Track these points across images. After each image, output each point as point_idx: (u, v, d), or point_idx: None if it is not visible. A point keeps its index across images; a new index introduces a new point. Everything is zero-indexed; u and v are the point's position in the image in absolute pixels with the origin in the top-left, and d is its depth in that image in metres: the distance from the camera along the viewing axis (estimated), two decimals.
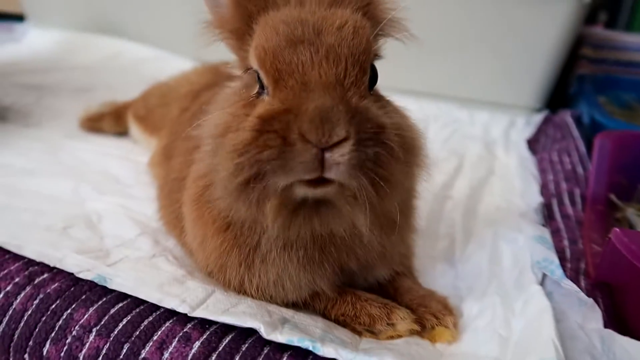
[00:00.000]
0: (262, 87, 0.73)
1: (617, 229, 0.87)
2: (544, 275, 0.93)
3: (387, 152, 0.68)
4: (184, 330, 0.77)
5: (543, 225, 1.19)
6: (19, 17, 3.11)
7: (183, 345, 0.74)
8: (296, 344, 0.75)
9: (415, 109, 2.18)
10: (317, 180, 0.66)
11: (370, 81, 0.75)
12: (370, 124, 0.67)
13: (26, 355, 0.79)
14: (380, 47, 0.82)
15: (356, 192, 0.68)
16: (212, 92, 1.15)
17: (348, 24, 0.73)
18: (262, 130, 0.65)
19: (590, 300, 0.82)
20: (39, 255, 0.90)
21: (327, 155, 0.63)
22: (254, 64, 0.74)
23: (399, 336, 0.83)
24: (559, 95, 2.23)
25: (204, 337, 0.76)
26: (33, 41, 2.76)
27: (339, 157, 0.63)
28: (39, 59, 2.50)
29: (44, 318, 0.80)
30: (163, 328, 0.77)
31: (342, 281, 0.89)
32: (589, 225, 1.18)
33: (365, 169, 0.66)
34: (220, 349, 0.74)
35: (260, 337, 0.76)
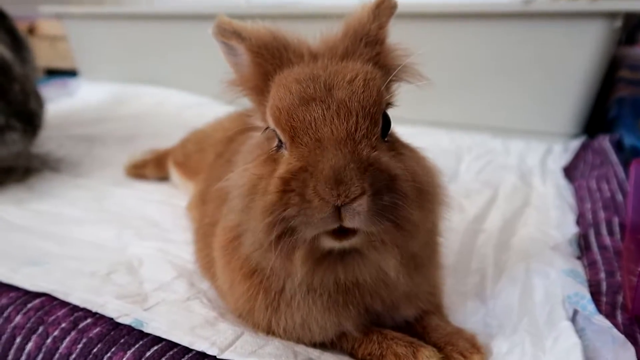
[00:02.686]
0: (280, 141, 0.77)
1: None
2: (576, 311, 0.91)
3: (402, 199, 0.70)
4: None
5: (578, 257, 1.16)
6: (72, 73, 3.38)
7: None
8: None
9: (448, 140, 2.19)
10: (341, 231, 0.69)
11: (383, 129, 0.77)
12: (382, 175, 0.69)
13: None
14: (393, 95, 0.84)
15: (382, 236, 0.71)
16: (244, 137, 1.21)
17: (358, 77, 0.75)
18: (284, 191, 0.69)
19: (622, 337, 0.80)
20: (83, 301, 0.97)
21: (345, 207, 0.66)
22: (270, 123, 0.78)
23: None
24: (599, 120, 2.17)
25: None
26: (85, 95, 2.98)
27: (358, 208, 0.66)
28: (90, 111, 2.68)
29: None
30: None
31: (369, 321, 0.90)
32: (627, 255, 1.13)
33: (385, 214, 0.68)
34: None
35: None
